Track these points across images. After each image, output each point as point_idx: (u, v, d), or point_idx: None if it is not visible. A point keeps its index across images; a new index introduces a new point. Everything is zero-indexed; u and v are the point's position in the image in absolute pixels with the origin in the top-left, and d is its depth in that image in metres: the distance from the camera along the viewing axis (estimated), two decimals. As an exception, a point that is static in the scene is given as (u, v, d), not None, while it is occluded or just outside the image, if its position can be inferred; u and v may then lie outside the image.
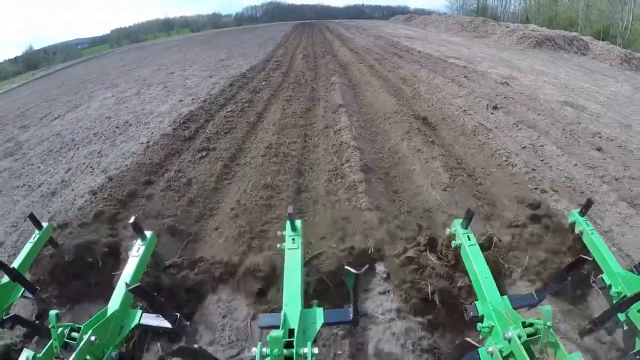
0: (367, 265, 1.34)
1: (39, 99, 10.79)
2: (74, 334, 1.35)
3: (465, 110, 4.76)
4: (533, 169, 3.20)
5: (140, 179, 3.25)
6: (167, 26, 53.10)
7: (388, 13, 55.88)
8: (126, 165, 3.64)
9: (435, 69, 8.09)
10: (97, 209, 2.73)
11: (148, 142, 4.21)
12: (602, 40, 24.21)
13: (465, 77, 7.22)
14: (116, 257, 2.16)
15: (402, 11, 54.22)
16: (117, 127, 5.39)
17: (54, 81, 15.85)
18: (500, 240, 2.04)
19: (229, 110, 5.15)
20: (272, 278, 1.87)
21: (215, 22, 53.44)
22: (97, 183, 3.39)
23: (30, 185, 3.95)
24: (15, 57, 39.15)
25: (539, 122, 4.77)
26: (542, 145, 3.81)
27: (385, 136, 3.97)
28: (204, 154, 3.58)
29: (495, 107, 4.83)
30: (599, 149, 4.13)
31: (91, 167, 3.97)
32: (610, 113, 6.79)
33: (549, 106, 5.96)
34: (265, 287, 1.85)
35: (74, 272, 2.11)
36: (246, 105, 5.39)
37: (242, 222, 2.26)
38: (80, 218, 2.71)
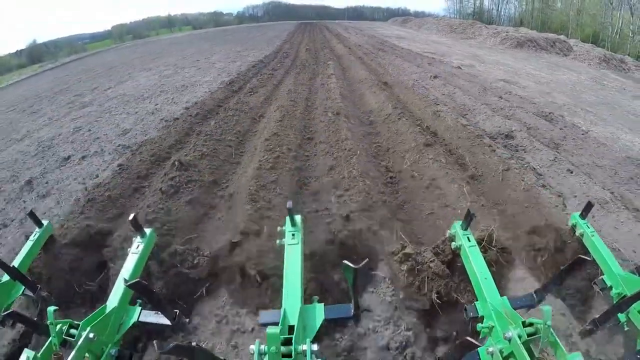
0: (366, 259, 1.43)
1: (71, 81, 12.98)
2: (73, 331, 1.44)
3: (415, 80, 7.65)
4: (440, 101, 6.01)
5: (215, 104, 6.09)
6: (168, 23, 56.38)
7: (388, 15, 59.66)
8: (201, 99, 6.46)
9: (409, 59, 11.07)
10: (195, 112, 5.54)
11: (209, 91, 7.08)
12: (593, 43, 27.16)
13: (428, 63, 10.19)
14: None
15: (402, 13, 57.90)
16: (177, 88, 8.22)
17: (73, 70, 17.77)
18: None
19: (258, 79, 8.05)
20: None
21: (216, 20, 57.20)
22: (186, 105, 6.19)
23: (128, 113, 6.58)
24: (18, 51, 41.76)
25: (465, 85, 7.64)
26: (454, 93, 6.67)
27: (357, 90, 6.88)
28: (251, 94, 6.48)
29: (435, 77, 7.74)
30: (500, 97, 6.95)
31: (174, 102, 6.78)
32: (541, 87, 9.52)
33: (484, 80, 8.83)
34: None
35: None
36: (269, 76, 8.32)
37: (280, 111, 5.09)
38: (186, 117, 5.47)
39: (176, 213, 2.74)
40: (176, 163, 3.33)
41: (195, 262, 2.17)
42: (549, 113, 6.25)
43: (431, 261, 2.05)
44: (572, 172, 3.80)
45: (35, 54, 38.93)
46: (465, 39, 23.74)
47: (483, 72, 10.17)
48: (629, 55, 25.85)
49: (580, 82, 11.81)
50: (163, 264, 2.13)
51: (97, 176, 3.95)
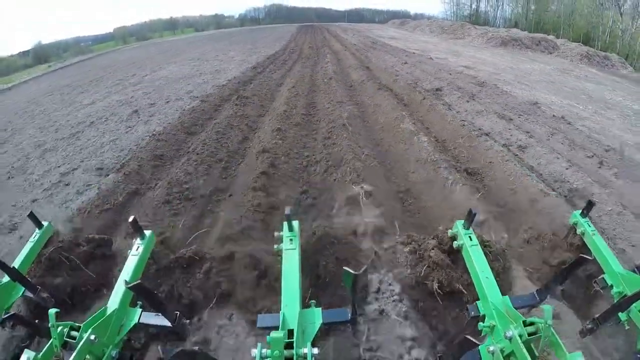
0: (365, 266, 1.58)
1: (100, 73, 15.56)
2: (74, 333, 1.57)
3: (390, 65, 11.01)
4: (401, 75, 9.28)
5: (248, 78, 9.44)
6: (171, 25, 60.59)
7: (389, 17, 63.92)
8: (237, 76, 9.80)
9: (392, 53, 14.50)
10: (236, 82, 8.90)
11: (240, 72, 10.46)
12: (585, 43, 30.12)
13: (406, 56, 13.59)
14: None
15: (403, 15, 62.11)
16: (212, 71, 11.57)
17: (92, 67, 19.95)
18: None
19: (274, 65, 11.51)
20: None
21: (218, 22, 61.65)
22: (227, 79, 9.52)
23: (182, 84, 9.89)
24: (22, 52, 45.00)
25: (427, 69, 10.95)
26: (415, 72, 10.00)
27: (346, 71, 10.29)
28: (271, 73, 9.89)
29: (405, 63, 11.11)
30: (449, 74, 10.25)
31: (216, 78, 10.10)
32: (494, 71, 12.66)
33: (446, 66, 12.11)
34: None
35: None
36: (282, 64, 11.83)
37: (295, 79, 8.42)
38: (231, 84, 8.80)
39: (247, 112, 6.03)
40: (240, 95, 6.60)
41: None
42: (483, 82, 9.48)
43: (432, 249, 2.23)
44: (468, 102, 7.01)
45: (41, 55, 41.78)
46: (455, 39, 27.23)
47: (451, 62, 13.51)
48: (618, 53, 28.43)
49: (540, 70, 14.85)
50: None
51: (185, 108, 7.08)
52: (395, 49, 16.58)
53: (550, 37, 28.34)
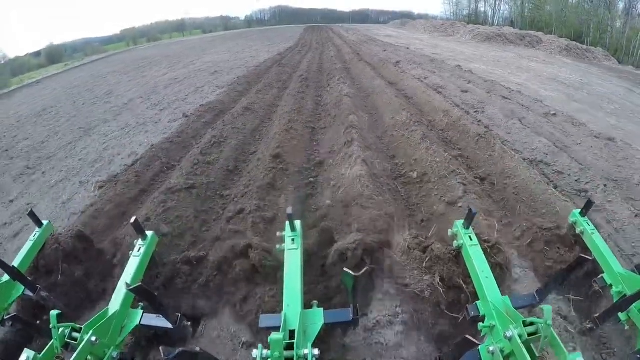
0: (366, 268, 1.74)
1: (139, 63, 21.78)
2: (75, 334, 1.72)
3: (374, 52, 17.45)
4: (378, 56, 15.57)
5: (277, 60, 15.96)
6: (179, 27, 68.33)
7: (393, 17, 71.44)
8: (270, 58, 16.34)
9: (380, 46, 21.03)
10: (270, 61, 15.46)
11: (270, 57, 17.02)
12: (577, 39, 35.32)
13: (390, 47, 20.10)
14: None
15: (407, 16, 69.34)
16: (248, 57, 18.05)
17: (120, 61, 25.73)
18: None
19: (292, 53, 18.21)
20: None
21: (225, 24, 69.47)
22: (265, 59, 16.08)
23: (231, 64, 16.36)
24: (36, 52, 50.92)
25: (400, 53, 17.34)
26: (389, 55, 16.39)
27: (343, 56, 16.97)
28: (294, 56, 16.47)
29: (385, 50, 17.55)
30: (414, 55, 16.60)
31: (255, 59, 16.66)
32: (453, 55, 19.06)
33: (417, 53, 18.44)
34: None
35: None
36: (298, 52, 18.58)
37: (309, 59, 14.82)
38: (267, 62, 15.31)
39: (286, 70, 12.43)
40: (279, 64, 12.99)
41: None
42: (434, 59, 15.76)
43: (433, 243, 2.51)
44: (412, 66, 13.29)
45: (54, 55, 47.36)
46: (445, 35, 33.65)
47: (424, 51, 19.87)
48: (608, 49, 32.82)
49: (500, 56, 20.67)
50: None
51: (246, 71, 13.34)
52: (385, 44, 23.05)
53: (539, 33, 33.12)
